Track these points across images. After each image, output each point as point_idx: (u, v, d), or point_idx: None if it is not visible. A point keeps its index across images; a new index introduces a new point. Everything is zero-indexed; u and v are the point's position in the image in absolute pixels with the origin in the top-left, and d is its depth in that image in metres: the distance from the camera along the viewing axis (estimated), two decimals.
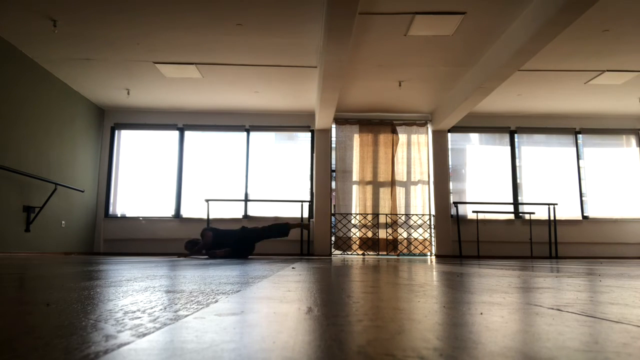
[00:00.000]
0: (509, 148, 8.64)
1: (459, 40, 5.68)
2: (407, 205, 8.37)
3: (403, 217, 8.31)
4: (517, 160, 8.60)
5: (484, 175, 8.55)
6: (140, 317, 0.68)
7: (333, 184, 8.40)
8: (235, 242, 6.53)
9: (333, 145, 8.50)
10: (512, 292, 1.16)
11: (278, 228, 6.56)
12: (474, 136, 8.79)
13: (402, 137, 8.53)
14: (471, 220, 8.32)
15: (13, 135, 5.93)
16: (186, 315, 0.71)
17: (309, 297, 1.01)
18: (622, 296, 1.09)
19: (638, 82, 6.98)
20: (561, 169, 8.56)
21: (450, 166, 8.52)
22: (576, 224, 8.42)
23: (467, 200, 8.42)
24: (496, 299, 0.98)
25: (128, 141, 8.60)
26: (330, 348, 0.48)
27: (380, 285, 1.37)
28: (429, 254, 8.33)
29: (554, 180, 8.52)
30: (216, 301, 0.91)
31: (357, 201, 8.34)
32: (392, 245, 8.22)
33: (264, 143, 8.64)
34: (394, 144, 8.49)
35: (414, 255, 8.25)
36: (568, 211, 8.44)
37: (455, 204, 8.17)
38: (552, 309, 0.82)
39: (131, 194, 8.43)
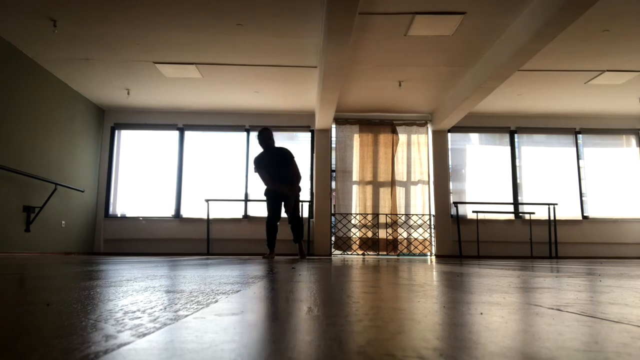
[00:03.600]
0: (509, 148, 8.64)
1: (459, 40, 5.68)
2: (407, 205, 8.37)
3: (403, 217, 8.31)
4: (517, 160, 8.60)
5: (484, 175, 8.55)
6: (140, 317, 0.68)
7: (333, 184, 8.40)
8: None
9: (333, 145, 8.50)
10: (512, 292, 1.16)
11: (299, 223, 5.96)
12: (474, 136, 8.79)
13: (402, 137, 8.53)
14: (471, 220, 8.32)
15: (13, 135, 5.93)
16: (186, 315, 0.71)
17: (309, 297, 1.01)
18: (622, 296, 1.09)
19: (638, 82, 6.98)
20: (561, 169, 8.56)
21: (450, 166, 8.53)
22: (576, 224, 8.42)
23: (467, 200, 8.42)
24: (496, 299, 0.98)
25: (128, 141, 8.60)
26: (330, 348, 0.48)
27: (380, 285, 1.37)
28: (429, 254, 8.33)
29: (554, 180, 8.52)
30: (216, 301, 0.91)
31: (357, 201, 8.34)
32: (392, 245, 8.22)
33: None
34: (394, 144, 8.49)
35: (414, 255, 8.25)
36: (568, 211, 8.44)
37: (455, 204, 8.17)
38: (552, 309, 0.82)
39: (131, 194, 8.43)
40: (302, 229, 5.96)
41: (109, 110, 8.51)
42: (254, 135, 8.62)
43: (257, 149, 8.61)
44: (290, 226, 5.91)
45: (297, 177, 5.91)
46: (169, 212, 8.35)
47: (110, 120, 8.51)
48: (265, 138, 5.82)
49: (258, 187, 8.47)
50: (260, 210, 8.42)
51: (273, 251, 5.80)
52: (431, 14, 5.01)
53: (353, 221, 8.29)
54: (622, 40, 5.56)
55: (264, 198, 5.94)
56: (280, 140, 8.77)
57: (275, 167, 5.80)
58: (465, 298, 1.01)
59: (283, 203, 5.88)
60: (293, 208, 5.83)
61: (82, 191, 7.53)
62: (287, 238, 8.32)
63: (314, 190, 8.35)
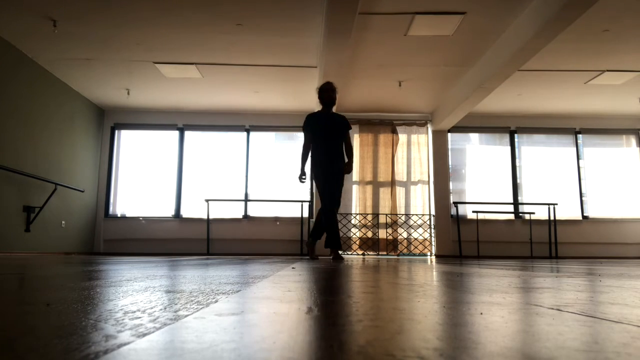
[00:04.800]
0: (509, 148, 8.65)
1: (459, 40, 5.68)
2: (407, 205, 8.37)
3: (403, 217, 8.31)
4: (517, 160, 8.61)
5: (484, 175, 8.55)
6: (140, 317, 0.68)
7: None
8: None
9: None
10: (512, 292, 1.16)
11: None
12: (474, 136, 8.79)
13: (402, 137, 8.53)
14: (471, 220, 8.32)
15: (13, 135, 5.93)
16: (186, 315, 0.71)
17: (309, 297, 1.01)
18: (622, 296, 1.09)
19: (638, 82, 6.98)
20: (561, 169, 8.56)
21: (450, 166, 8.53)
22: (576, 224, 8.42)
23: (467, 200, 8.42)
24: (496, 299, 0.98)
25: (128, 141, 8.60)
26: (330, 348, 0.48)
27: (380, 286, 1.37)
28: (429, 254, 8.33)
29: (554, 180, 8.52)
30: (216, 301, 0.91)
31: (357, 201, 8.35)
32: (392, 245, 8.22)
33: (264, 143, 8.65)
34: (394, 144, 8.49)
35: (414, 255, 8.25)
36: (568, 211, 8.44)
37: (455, 204, 8.17)
38: (552, 309, 0.82)
39: (131, 194, 8.44)
40: (336, 230, 4.68)
41: (109, 110, 8.51)
42: (254, 135, 8.62)
43: (256, 150, 8.60)
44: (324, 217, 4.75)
45: (350, 155, 4.94)
46: (169, 212, 8.35)
47: (110, 120, 8.51)
48: (329, 90, 4.86)
49: (258, 187, 8.47)
50: (260, 210, 8.41)
51: (337, 250, 4.67)
52: (431, 14, 5.01)
53: (353, 221, 8.29)
54: (622, 40, 5.56)
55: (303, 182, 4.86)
56: (281, 140, 8.76)
57: (328, 136, 4.80)
58: (465, 298, 1.01)
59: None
60: (339, 193, 4.78)
61: (82, 191, 7.53)
62: (286, 238, 8.31)
63: (313, 190, 8.35)
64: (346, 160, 5.07)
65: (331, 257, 4.89)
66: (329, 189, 4.75)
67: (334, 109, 5.09)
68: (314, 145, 4.87)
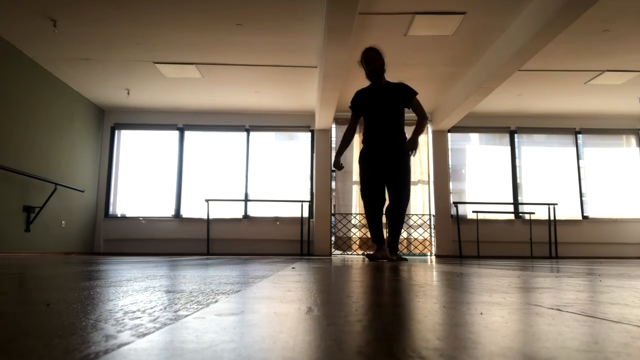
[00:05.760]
0: (509, 148, 8.65)
1: (459, 40, 5.68)
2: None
3: None
4: (517, 160, 8.61)
5: (484, 175, 8.55)
6: (140, 317, 0.68)
7: (333, 184, 8.40)
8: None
9: (333, 145, 8.50)
10: (512, 292, 1.16)
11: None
12: (474, 136, 8.79)
13: None
14: (471, 220, 8.32)
15: (13, 135, 5.93)
16: (186, 315, 0.71)
17: (309, 297, 1.00)
18: (622, 296, 1.09)
19: (638, 82, 6.98)
20: (561, 169, 8.57)
21: (450, 166, 8.53)
22: (576, 224, 8.42)
23: (467, 200, 8.42)
24: (496, 299, 0.98)
25: (128, 141, 8.60)
26: (330, 348, 0.48)
27: (380, 286, 1.37)
28: (429, 254, 8.32)
29: (554, 180, 8.52)
30: (216, 301, 0.91)
31: (357, 201, 8.34)
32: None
33: (264, 143, 8.65)
34: None
35: (414, 255, 8.25)
36: (568, 211, 8.44)
37: (455, 204, 8.17)
38: (552, 309, 0.82)
39: (131, 194, 8.44)
40: (401, 224, 4.11)
41: (109, 110, 8.51)
42: (254, 135, 8.62)
43: (256, 149, 8.59)
44: (387, 217, 4.11)
45: (421, 125, 4.03)
46: (169, 212, 8.35)
47: (110, 120, 8.51)
48: (369, 60, 4.05)
49: (258, 187, 8.46)
50: (260, 210, 8.40)
51: (382, 247, 4.08)
52: (431, 14, 5.01)
53: (353, 221, 8.28)
54: (622, 40, 5.56)
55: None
56: (281, 140, 8.76)
57: (379, 115, 4.04)
58: (465, 298, 1.01)
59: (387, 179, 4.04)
60: (398, 183, 3.98)
61: (82, 191, 7.53)
62: (286, 238, 8.31)
63: (314, 190, 8.35)
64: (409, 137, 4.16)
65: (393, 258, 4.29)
66: (371, 183, 4.06)
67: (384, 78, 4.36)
68: (365, 127, 4.16)
